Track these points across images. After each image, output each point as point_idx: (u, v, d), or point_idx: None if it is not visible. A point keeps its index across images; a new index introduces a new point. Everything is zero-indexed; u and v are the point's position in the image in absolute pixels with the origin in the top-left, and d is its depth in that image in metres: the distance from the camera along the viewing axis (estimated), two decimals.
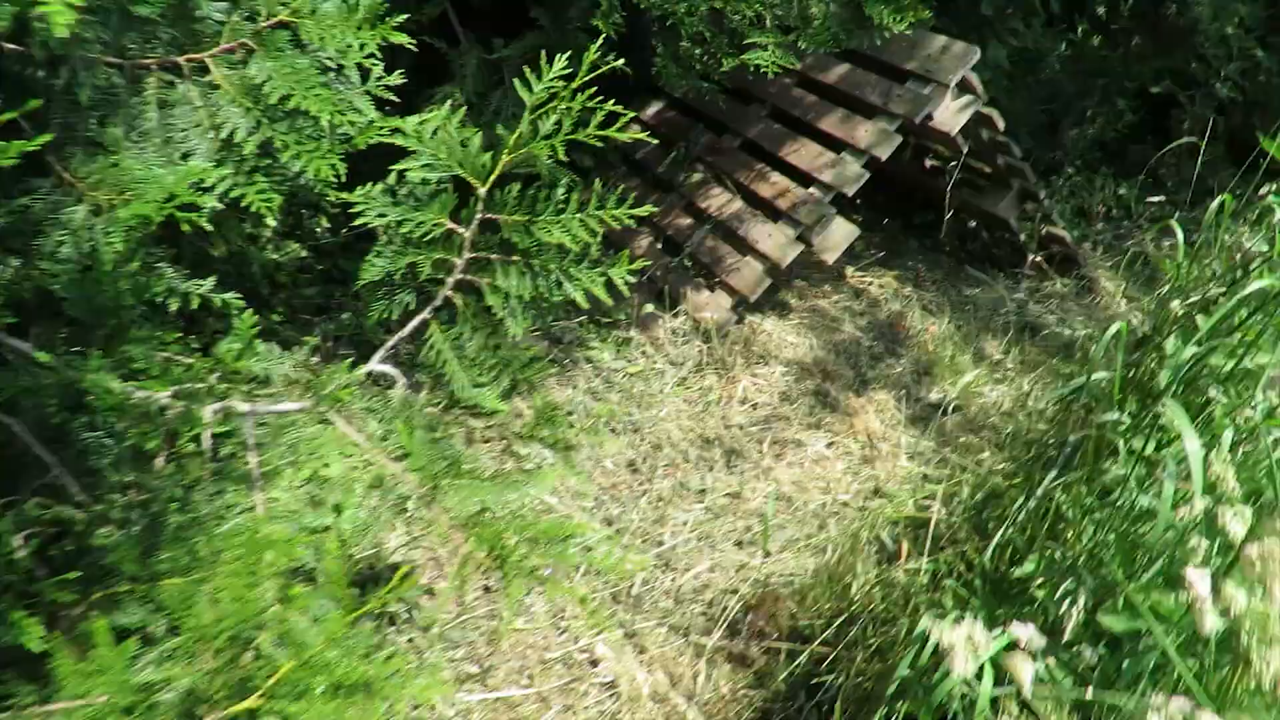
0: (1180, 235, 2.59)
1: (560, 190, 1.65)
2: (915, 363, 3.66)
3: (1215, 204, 2.51)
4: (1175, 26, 5.18)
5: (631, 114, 2.36)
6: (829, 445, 3.18)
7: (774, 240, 3.54)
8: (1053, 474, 2.14)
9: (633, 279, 1.80)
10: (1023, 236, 4.18)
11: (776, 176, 3.74)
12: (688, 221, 3.95)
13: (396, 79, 2.23)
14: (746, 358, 3.55)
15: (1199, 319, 2.08)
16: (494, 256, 1.71)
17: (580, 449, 3.10)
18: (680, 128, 4.30)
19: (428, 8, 2.76)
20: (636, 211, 1.70)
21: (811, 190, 3.58)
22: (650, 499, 2.92)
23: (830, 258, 3.51)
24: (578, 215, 1.64)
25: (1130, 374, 2.16)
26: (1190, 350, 1.93)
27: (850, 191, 3.44)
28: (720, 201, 3.86)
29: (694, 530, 2.79)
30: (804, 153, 3.68)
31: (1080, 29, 5.05)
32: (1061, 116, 5.26)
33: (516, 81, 1.62)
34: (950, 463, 3.10)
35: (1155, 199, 5.41)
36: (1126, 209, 5.45)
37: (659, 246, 4.03)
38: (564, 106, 1.57)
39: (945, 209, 4.09)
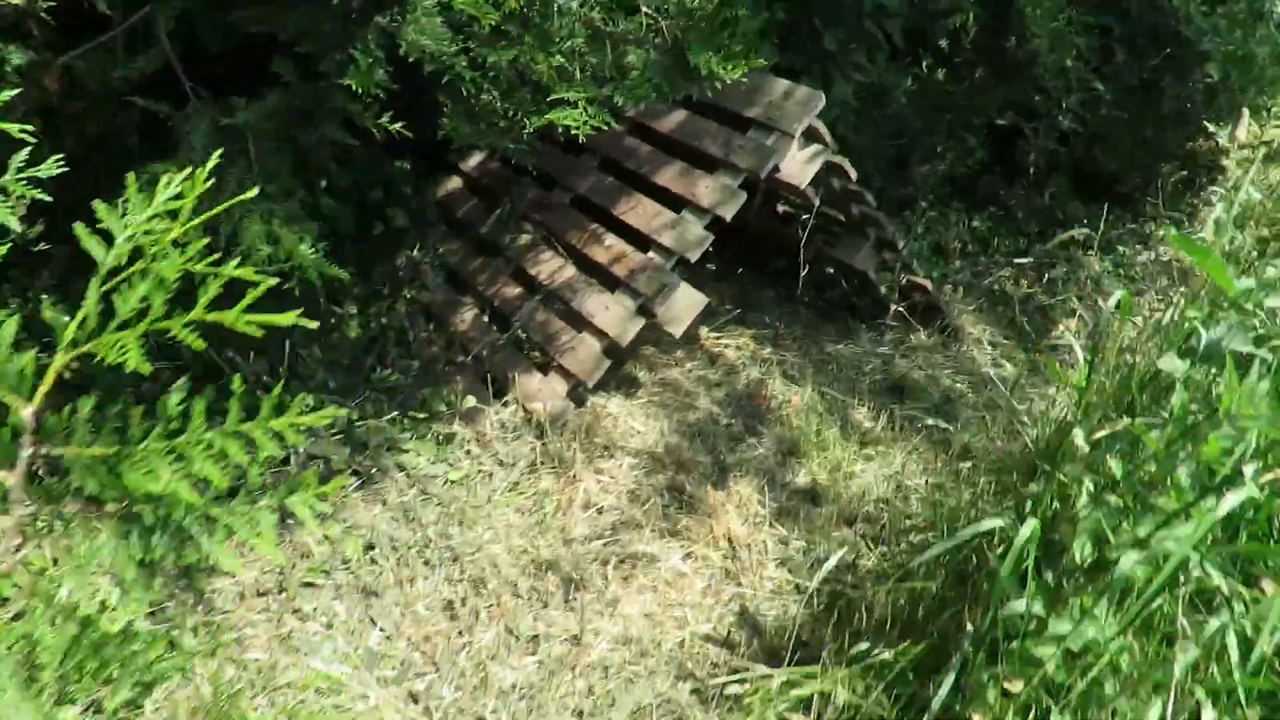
0: (1080, 352, 2.26)
1: (175, 398, 1.06)
2: (778, 441, 3.25)
3: (1112, 302, 2.17)
4: (1015, 59, 5.07)
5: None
6: (685, 557, 2.72)
7: (612, 314, 3.08)
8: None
9: (326, 507, 1.25)
10: (883, 288, 3.87)
11: (611, 239, 3.28)
12: (516, 291, 3.44)
13: (51, 167, 1.64)
14: (589, 451, 3.05)
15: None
16: (73, 510, 1.08)
17: (384, 593, 2.52)
18: (504, 181, 3.79)
19: (142, 60, 2.15)
20: (311, 419, 1.12)
21: (651, 255, 3.14)
22: (471, 655, 2.37)
23: (677, 330, 3.07)
24: (207, 435, 1.06)
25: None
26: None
27: (693, 257, 3.02)
28: (551, 268, 3.37)
29: (523, 697, 2.26)
30: (641, 211, 3.24)
31: (924, 63, 4.86)
32: (911, 152, 5.06)
33: (80, 230, 1.01)
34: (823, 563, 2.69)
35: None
36: (982, 243, 5.30)
37: (485, 319, 3.50)
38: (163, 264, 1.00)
39: (801, 260, 3.73)
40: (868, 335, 4.06)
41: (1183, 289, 5.05)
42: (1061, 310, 4.51)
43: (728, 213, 3.01)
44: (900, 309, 4.01)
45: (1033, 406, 3.62)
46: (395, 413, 3.21)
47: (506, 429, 3.11)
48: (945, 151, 5.05)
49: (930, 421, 3.47)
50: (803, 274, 3.54)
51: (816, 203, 3.27)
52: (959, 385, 3.78)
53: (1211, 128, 5.52)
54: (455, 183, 3.99)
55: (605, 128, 2.27)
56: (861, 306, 4.11)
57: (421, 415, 3.21)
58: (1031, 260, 5.10)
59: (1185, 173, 5.74)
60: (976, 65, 5.15)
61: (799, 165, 3.10)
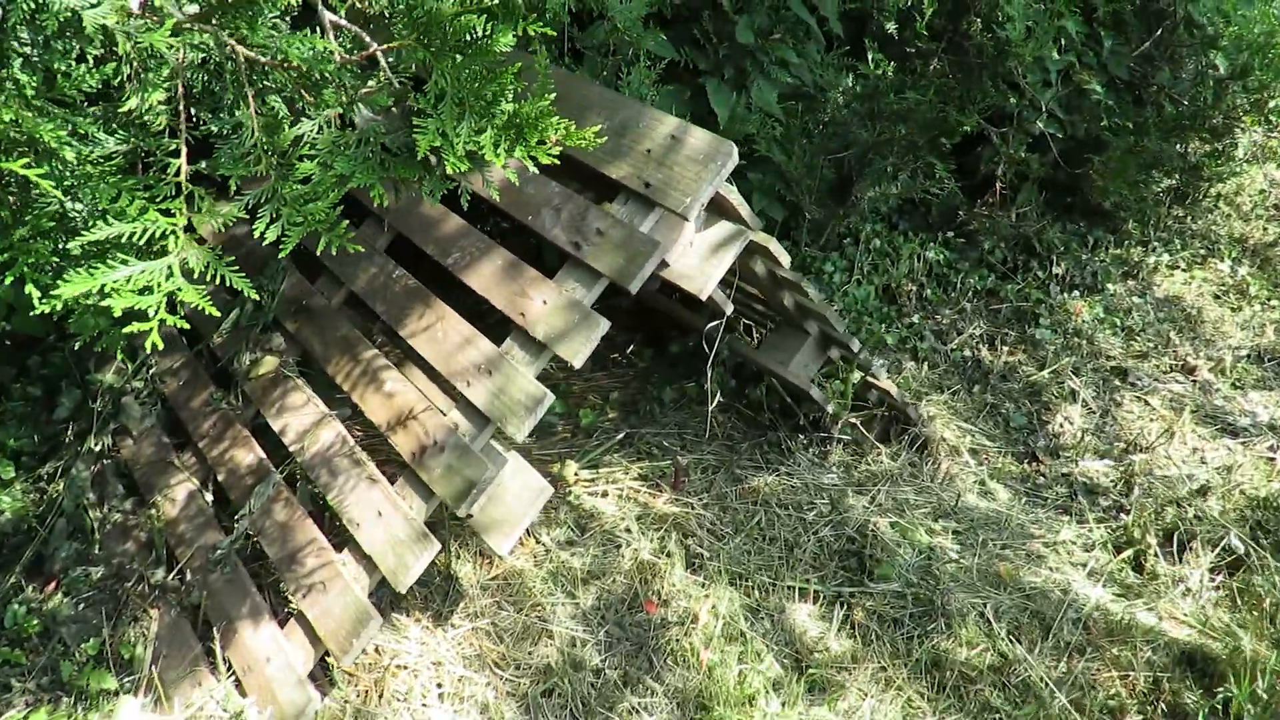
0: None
1: None
2: (678, 699, 2.03)
3: None
4: (982, 48, 3.89)
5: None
6: None
7: (386, 527, 1.79)
8: None
9: None
10: (830, 406, 2.66)
11: (395, 380, 1.98)
12: (250, 459, 2.11)
13: None
14: None
15: None
16: None
17: None
18: (255, 256, 2.43)
19: None
20: None
21: (453, 416, 1.85)
22: None
23: (501, 542, 1.79)
24: None
25: None
26: None
27: (520, 436, 1.74)
28: (303, 422, 2.05)
29: None
30: (441, 336, 1.94)
31: (870, 56, 3.64)
32: (855, 171, 3.85)
33: None
34: None
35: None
36: (941, 283, 4.16)
37: (206, 498, 2.17)
38: None
39: (710, 366, 2.49)
40: (808, 457, 2.85)
41: (1189, 346, 4.03)
42: (1056, 390, 3.38)
43: (576, 355, 1.73)
44: (853, 420, 2.81)
45: (1048, 575, 2.48)
46: (32, 685, 1.87)
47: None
48: (897, 170, 3.86)
49: (907, 621, 2.30)
50: (711, 406, 2.30)
51: (729, 310, 2.02)
52: (940, 537, 2.61)
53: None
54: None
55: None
56: (795, 410, 2.90)
57: (83, 684, 1.87)
58: (1006, 307, 3.98)
59: (1174, 183, 4.68)
60: (933, 58, 3.96)
61: (698, 259, 1.85)
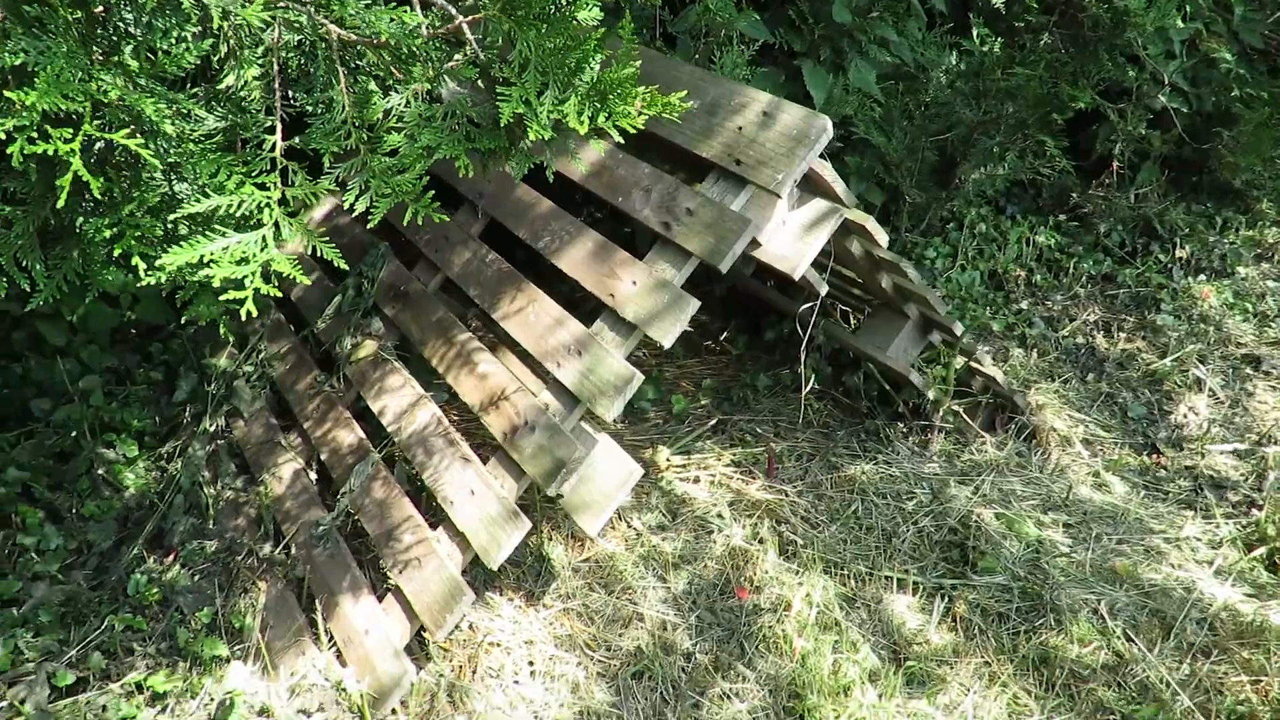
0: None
1: None
2: (771, 685, 1.99)
3: None
4: (1098, 20, 3.68)
5: None
6: None
7: (479, 505, 1.81)
8: None
9: None
10: (930, 392, 2.56)
11: (488, 362, 2.00)
12: (351, 438, 2.18)
13: None
14: None
15: None
16: None
17: None
18: (356, 246, 2.51)
19: None
20: None
21: (544, 397, 1.86)
22: None
23: (591, 523, 1.80)
24: None
25: None
26: None
27: (609, 416, 1.73)
28: (400, 403, 2.11)
29: None
30: (533, 317, 1.95)
31: (975, 32, 3.49)
32: (959, 153, 3.71)
33: None
34: None
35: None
36: (1053, 268, 3.96)
37: (310, 476, 2.25)
38: None
39: (804, 350, 2.44)
40: (908, 446, 2.76)
41: None
42: (1179, 379, 3.18)
43: (666, 334, 1.72)
44: (956, 408, 2.71)
45: (1169, 572, 2.33)
46: (152, 650, 1.98)
47: (314, 694, 1.86)
48: (1005, 150, 3.69)
49: (1014, 616, 2.19)
50: (805, 390, 2.24)
51: (823, 291, 1.96)
52: (1050, 530, 2.49)
53: None
54: (297, 245, 2.71)
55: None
56: (895, 398, 2.81)
57: (197, 650, 1.97)
58: (1124, 292, 3.76)
59: None
60: (1044, 32, 3.77)
61: (791, 239, 1.80)
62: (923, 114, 3.58)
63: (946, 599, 2.25)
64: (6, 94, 0.80)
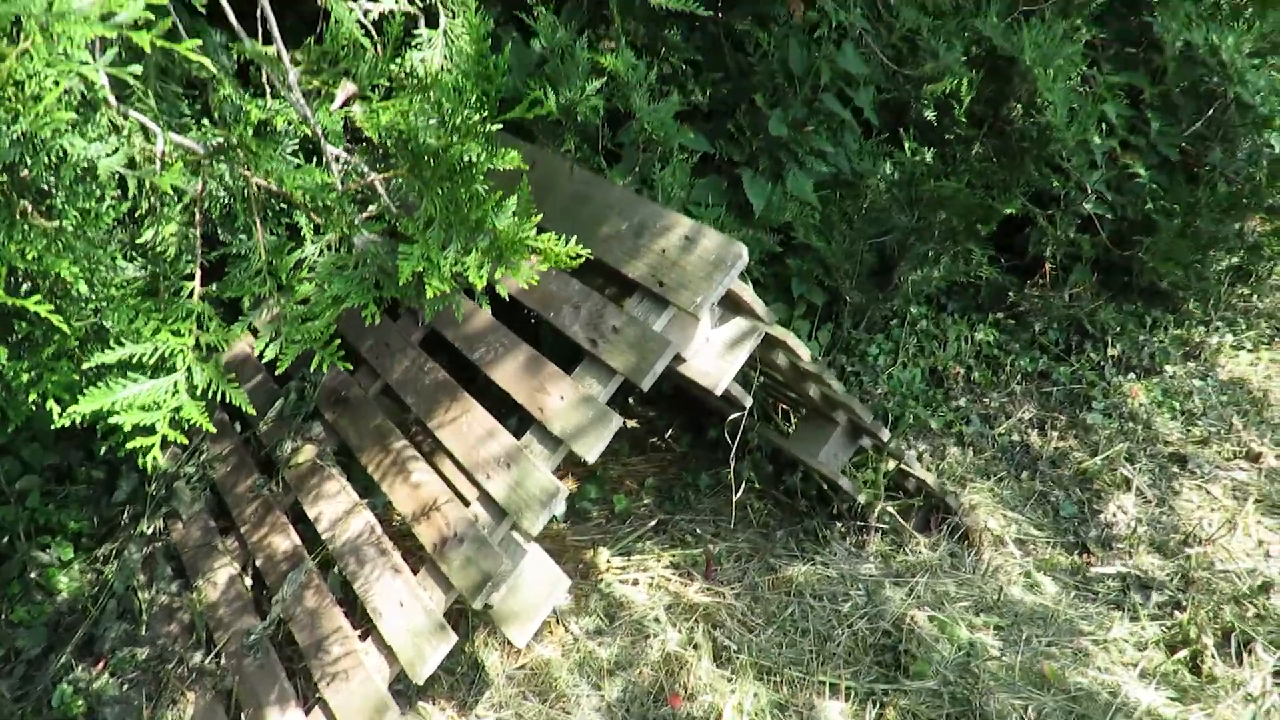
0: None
1: None
2: None
3: None
4: (1024, 133, 3.90)
5: None
6: None
7: (407, 618, 1.83)
8: None
9: None
10: (861, 496, 2.63)
11: (422, 471, 2.04)
12: (286, 545, 2.19)
13: None
14: None
15: None
16: None
17: None
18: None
19: None
20: None
21: (474, 509, 1.90)
22: None
23: (519, 634, 1.81)
24: None
25: None
26: None
27: (534, 530, 1.77)
28: (336, 510, 2.13)
29: None
30: (466, 428, 2.00)
31: (907, 144, 3.69)
32: (896, 256, 3.86)
33: None
34: None
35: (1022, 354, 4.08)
36: (990, 364, 4.09)
37: (245, 583, 2.25)
38: None
39: (734, 458, 2.51)
40: (845, 546, 2.81)
41: (1254, 432, 3.88)
42: (1109, 478, 3.28)
43: (589, 450, 1.77)
44: (890, 509, 2.77)
45: (1096, 675, 2.37)
46: None
47: None
48: (939, 255, 3.86)
49: None
50: (736, 496, 2.30)
51: (747, 404, 2.04)
52: (981, 633, 2.53)
53: None
54: (242, 345, 2.76)
55: None
56: (829, 498, 2.87)
57: None
58: (1059, 390, 3.89)
59: (1236, 261, 4.56)
60: (974, 143, 3.98)
61: (714, 356, 1.88)
62: (861, 218, 3.75)
63: (878, 705, 2.28)
64: None
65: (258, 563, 2.23)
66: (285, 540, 2.19)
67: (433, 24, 1.27)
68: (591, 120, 2.58)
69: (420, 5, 1.27)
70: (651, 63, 2.79)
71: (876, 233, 3.79)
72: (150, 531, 2.47)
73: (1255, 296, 4.61)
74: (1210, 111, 4.21)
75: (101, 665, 2.23)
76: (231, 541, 2.37)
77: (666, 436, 3.35)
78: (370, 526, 2.04)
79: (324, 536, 2.12)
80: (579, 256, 1.16)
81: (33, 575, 2.43)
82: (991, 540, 2.93)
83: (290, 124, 1.17)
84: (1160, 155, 4.19)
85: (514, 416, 2.65)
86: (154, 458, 1.01)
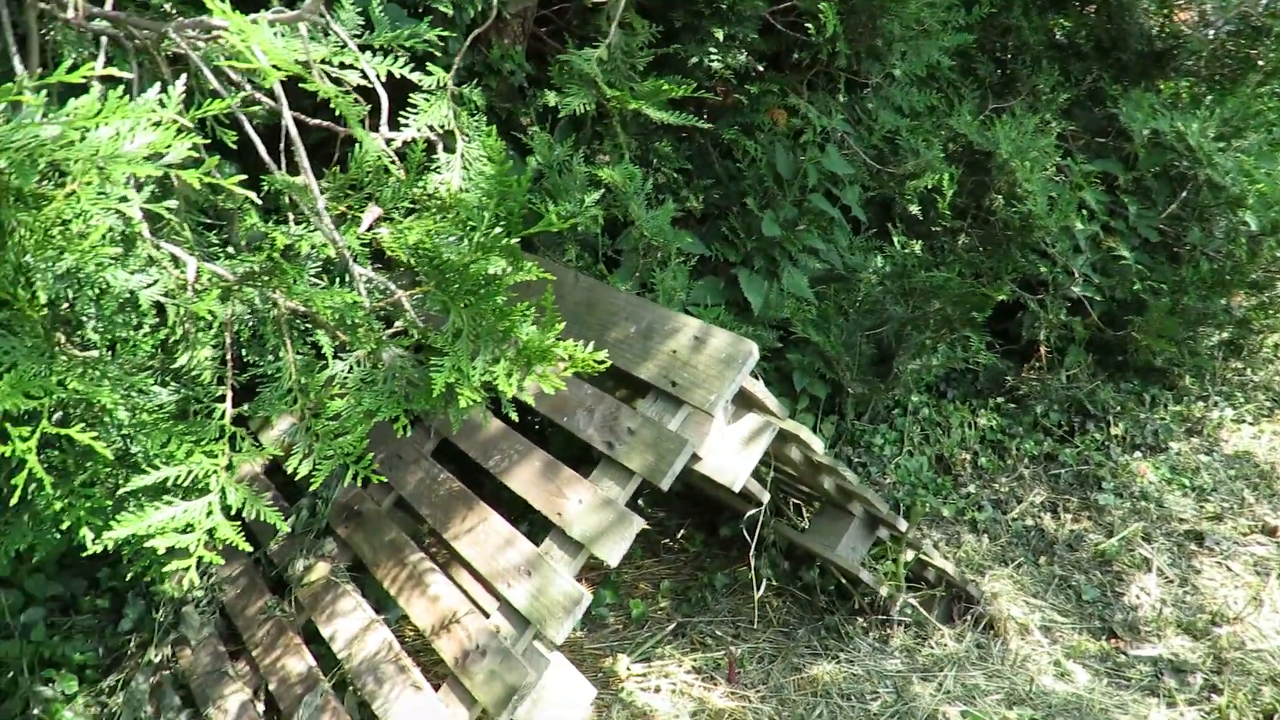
0: None
1: None
2: None
3: None
4: (1008, 222, 4.02)
5: None
6: None
7: None
8: None
9: None
10: (883, 590, 2.59)
11: (440, 583, 2.02)
12: (301, 667, 2.13)
13: None
14: None
15: None
16: None
17: None
18: None
19: None
20: None
21: (495, 620, 1.87)
22: None
23: None
24: None
25: None
26: None
27: (559, 639, 1.74)
28: (351, 628, 2.09)
29: None
30: (484, 536, 1.99)
31: (895, 239, 3.79)
32: (894, 345, 3.92)
33: None
34: None
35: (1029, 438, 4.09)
36: (996, 450, 4.10)
37: (257, 711, 2.18)
38: None
39: (753, 555, 2.48)
40: (868, 642, 2.75)
41: (1267, 505, 3.86)
42: (1128, 559, 3.24)
43: (610, 553, 1.76)
44: (912, 601, 2.73)
45: None
46: None
47: None
48: (936, 343, 3.91)
49: None
50: (758, 594, 2.27)
51: (764, 499, 2.04)
52: None
53: None
54: (246, 465, 2.75)
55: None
56: (850, 593, 2.82)
57: None
58: (1066, 471, 3.88)
59: (1227, 336, 4.63)
60: (959, 233, 4.10)
61: (729, 452, 1.89)
62: (856, 311, 3.82)
63: None
64: None
65: (271, 687, 2.17)
66: (299, 662, 2.14)
67: (449, 149, 1.33)
68: (591, 229, 2.66)
69: (439, 131, 1.34)
70: (646, 173, 2.90)
71: (872, 324, 3.86)
72: (158, 660, 2.42)
73: (1249, 370, 4.66)
74: (1184, 193, 4.35)
75: None
76: (243, 666, 2.31)
77: (679, 536, 3.32)
78: (388, 643, 2.00)
79: (340, 655, 2.07)
80: (603, 362, 1.18)
81: (36, 711, 2.36)
82: (1017, 628, 2.87)
83: (313, 248, 1.22)
84: (1140, 237, 4.31)
85: (524, 522, 2.64)
86: (191, 580, 1.00)
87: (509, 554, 1.91)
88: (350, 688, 2.06)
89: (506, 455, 2.08)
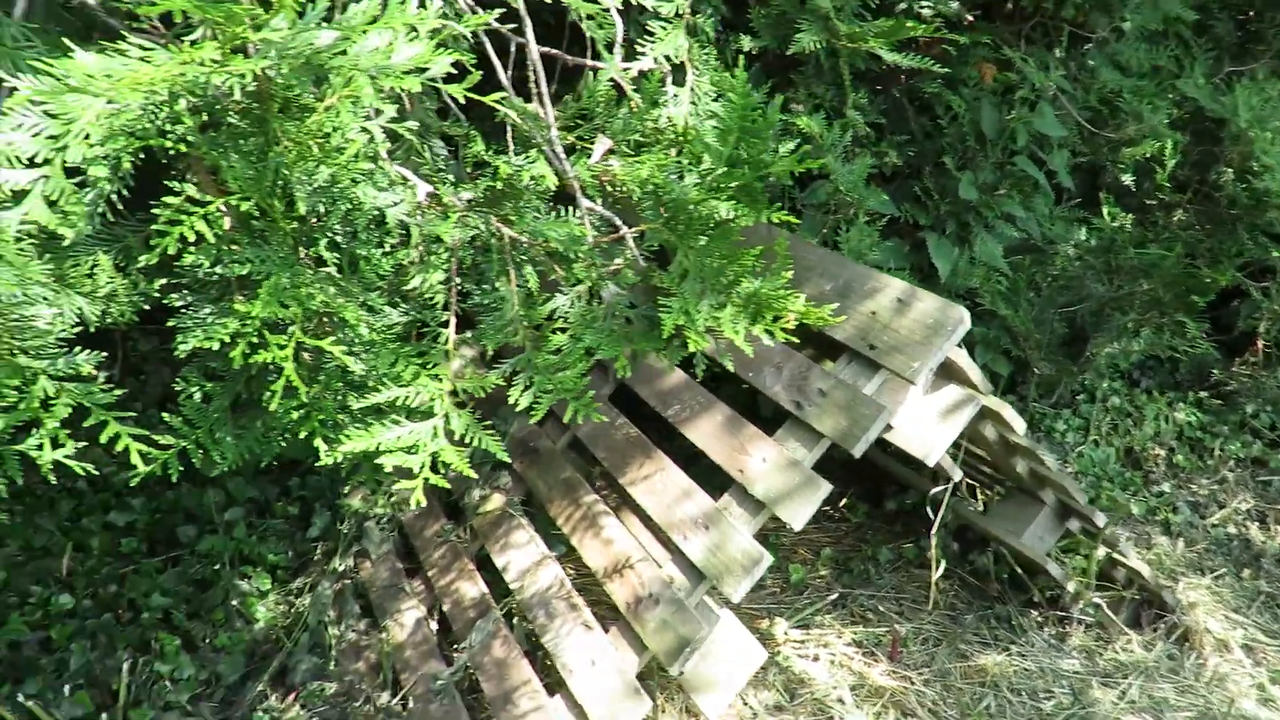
0: None
1: None
2: None
3: None
4: (1235, 199, 3.61)
5: None
6: None
7: (598, 679, 1.79)
8: None
9: None
10: (1070, 584, 2.42)
11: (614, 528, 2.02)
12: (474, 592, 2.21)
13: None
14: None
15: None
16: None
17: None
18: (490, 397, 2.62)
19: None
20: None
21: (669, 569, 1.86)
22: None
23: (713, 708, 1.74)
24: None
25: None
26: None
27: (736, 597, 1.71)
28: (524, 560, 2.14)
29: None
30: (660, 486, 1.98)
31: (1105, 208, 3.48)
32: (1090, 326, 3.63)
33: None
34: None
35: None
36: (1195, 449, 3.75)
37: (431, 626, 2.28)
38: None
39: (934, 533, 2.36)
40: (1043, 637, 2.59)
41: None
42: None
43: (795, 517, 1.71)
44: (1097, 601, 2.54)
45: None
46: None
47: None
48: (1140, 326, 3.59)
49: None
50: (935, 576, 2.16)
51: (957, 476, 1.92)
52: None
53: None
54: None
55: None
56: (1026, 583, 2.66)
57: None
58: (1277, 479, 3.51)
59: None
60: (1177, 209, 3.72)
61: (925, 424, 1.79)
62: (1051, 286, 3.55)
63: None
64: (236, 306, 0.91)
65: (445, 607, 2.26)
66: (472, 587, 2.21)
67: (677, 82, 1.28)
68: (782, 179, 2.56)
69: (671, 62, 1.30)
70: (845, 125, 2.76)
71: (1067, 301, 3.58)
72: (341, 569, 2.56)
73: None
74: None
75: (293, 697, 2.30)
76: (418, 584, 2.42)
77: (840, 505, 3.22)
78: (560, 579, 2.04)
79: (512, 586, 2.12)
80: (838, 316, 1.11)
81: (234, 603, 2.56)
82: (1214, 644, 2.63)
83: (533, 179, 1.20)
84: None
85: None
86: (418, 501, 1.02)
87: (686, 506, 1.89)
88: (519, 618, 2.12)
89: (687, 406, 2.05)
